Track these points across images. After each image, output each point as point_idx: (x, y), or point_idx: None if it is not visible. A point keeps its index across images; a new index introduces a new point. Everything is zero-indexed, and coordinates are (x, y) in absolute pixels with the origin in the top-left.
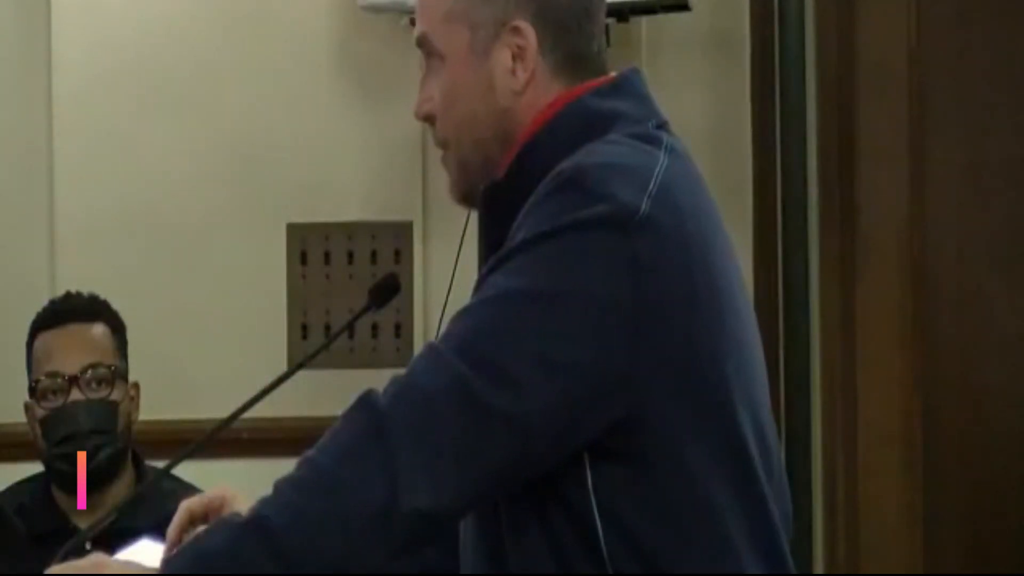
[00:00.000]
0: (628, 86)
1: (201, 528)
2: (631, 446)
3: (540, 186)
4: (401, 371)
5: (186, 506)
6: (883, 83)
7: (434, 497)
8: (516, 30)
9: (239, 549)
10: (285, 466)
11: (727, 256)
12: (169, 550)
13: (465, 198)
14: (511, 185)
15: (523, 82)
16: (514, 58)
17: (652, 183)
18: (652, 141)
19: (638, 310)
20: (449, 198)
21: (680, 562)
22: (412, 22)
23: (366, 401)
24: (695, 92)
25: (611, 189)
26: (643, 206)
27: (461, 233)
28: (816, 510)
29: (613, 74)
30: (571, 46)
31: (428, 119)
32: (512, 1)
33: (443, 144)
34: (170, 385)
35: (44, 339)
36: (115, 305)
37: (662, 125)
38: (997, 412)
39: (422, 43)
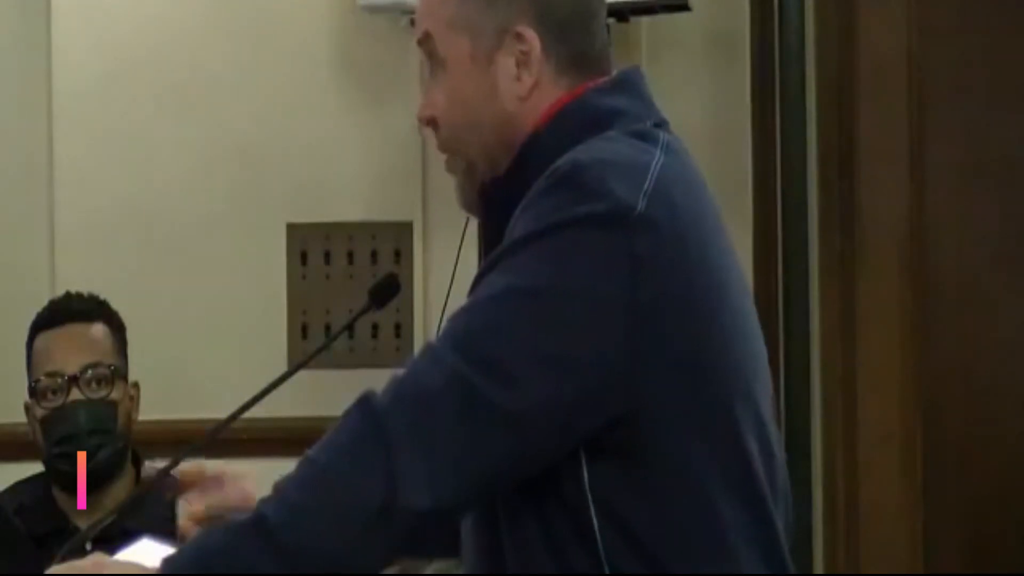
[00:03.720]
0: (629, 84)
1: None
2: (628, 442)
3: (536, 182)
4: (401, 371)
5: (184, 476)
6: (883, 83)
7: (433, 495)
8: (519, 36)
9: (238, 547)
10: (285, 466)
11: (726, 254)
12: (182, 540)
13: (472, 204)
14: (512, 181)
15: (528, 87)
16: (518, 64)
17: (648, 180)
18: (649, 139)
19: (636, 307)
20: (449, 198)
21: (677, 558)
22: (412, 22)
23: (365, 401)
24: (695, 92)
25: (608, 186)
26: (640, 203)
27: (461, 233)
28: (816, 510)
29: (614, 72)
30: (575, 47)
31: (431, 123)
32: (514, 7)
33: (446, 149)
34: (170, 385)
35: (44, 339)
36: (115, 305)
37: (660, 124)
38: (997, 412)
39: (424, 43)
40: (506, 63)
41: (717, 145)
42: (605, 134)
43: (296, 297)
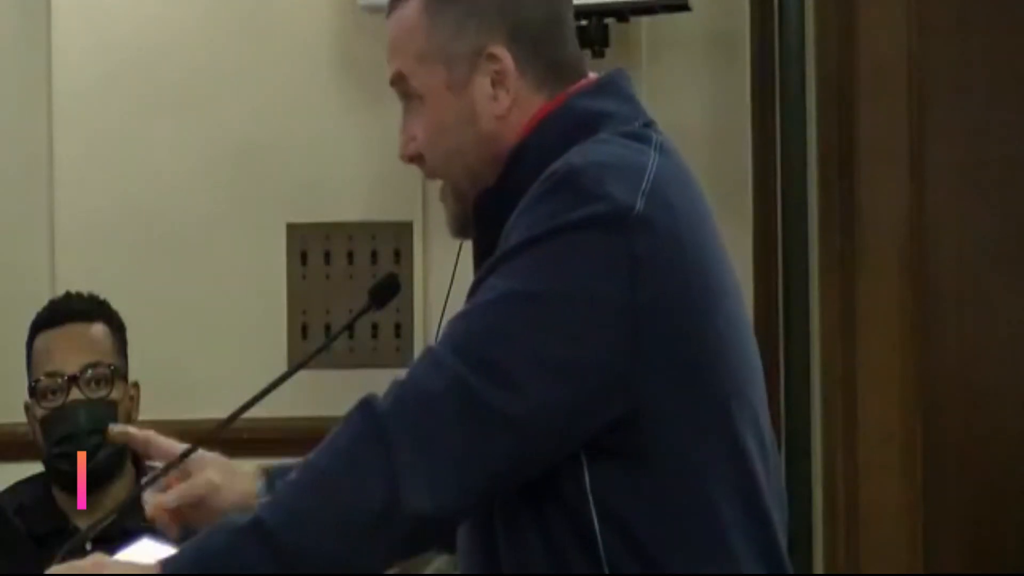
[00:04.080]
0: (614, 87)
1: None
2: (628, 444)
3: (532, 187)
4: (401, 371)
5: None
6: (883, 83)
7: (435, 499)
8: (492, 57)
9: (238, 549)
10: None
11: (721, 256)
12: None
13: (464, 230)
14: (502, 189)
15: (506, 106)
16: (494, 84)
17: (645, 181)
18: (642, 139)
19: (636, 308)
20: None
21: (676, 559)
22: None
23: (366, 405)
24: (695, 92)
25: (606, 188)
26: (638, 204)
27: None
28: (816, 510)
29: (594, 75)
30: (548, 56)
31: (414, 159)
32: (484, 29)
33: (434, 177)
34: (170, 385)
35: (44, 339)
36: (115, 305)
37: (649, 124)
38: (997, 412)
39: (397, 82)
40: (482, 84)
41: (717, 145)
42: (596, 136)
43: (296, 297)
